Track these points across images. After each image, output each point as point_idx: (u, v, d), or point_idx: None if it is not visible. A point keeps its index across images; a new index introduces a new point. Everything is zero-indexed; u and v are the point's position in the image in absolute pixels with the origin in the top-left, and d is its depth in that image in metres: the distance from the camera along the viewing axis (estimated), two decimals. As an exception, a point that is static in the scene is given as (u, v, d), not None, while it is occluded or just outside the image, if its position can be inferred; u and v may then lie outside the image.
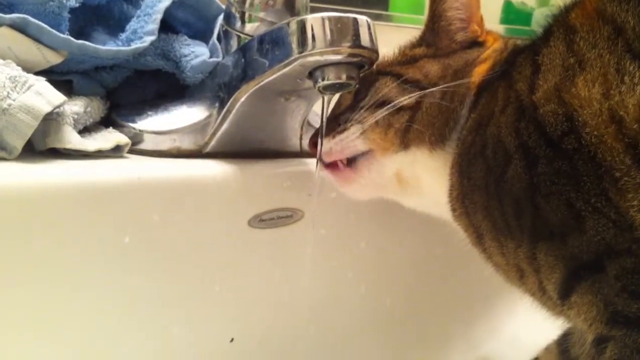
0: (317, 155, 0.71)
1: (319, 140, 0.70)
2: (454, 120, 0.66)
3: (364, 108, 0.69)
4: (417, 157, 0.68)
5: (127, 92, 0.79)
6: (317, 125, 0.80)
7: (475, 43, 0.72)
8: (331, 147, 0.71)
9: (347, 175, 0.73)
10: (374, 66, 0.71)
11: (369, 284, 0.86)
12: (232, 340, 0.75)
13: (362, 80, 0.71)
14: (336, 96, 0.75)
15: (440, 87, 0.67)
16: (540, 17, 1.46)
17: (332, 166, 0.73)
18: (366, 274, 0.86)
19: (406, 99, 0.67)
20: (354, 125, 0.70)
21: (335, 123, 0.72)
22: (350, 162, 0.73)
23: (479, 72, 0.66)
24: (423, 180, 0.69)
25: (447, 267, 0.91)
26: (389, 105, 0.68)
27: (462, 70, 0.68)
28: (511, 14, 1.56)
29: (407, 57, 0.74)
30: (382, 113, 0.68)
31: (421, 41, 0.75)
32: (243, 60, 0.69)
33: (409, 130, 0.67)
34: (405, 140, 0.68)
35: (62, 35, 0.68)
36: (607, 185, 0.50)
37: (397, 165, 0.70)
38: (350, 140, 0.70)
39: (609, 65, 0.51)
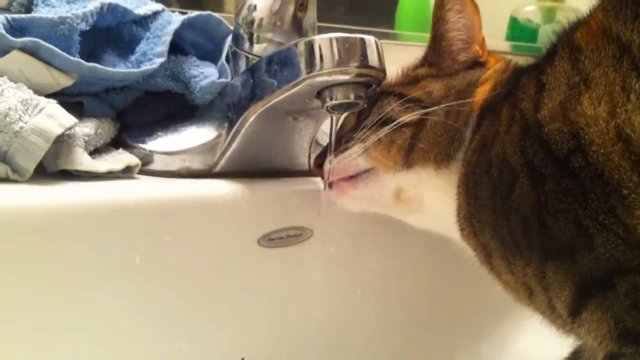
0: (325, 175, 0.72)
1: (327, 160, 0.70)
2: (459, 140, 0.66)
3: (366, 127, 0.70)
4: (422, 176, 0.68)
5: (137, 113, 0.80)
6: (326, 144, 0.81)
7: (477, 63, 0.72)
8: (334, 165, 0.71)
9: (342, 186, 0.73)
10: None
11: (378, 301, 0.86)
12: (242, 359, 0.75)
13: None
14: (344, 115, 0.75)
15: (443, 105, 0.67)
16: (545, 34, 1.47)
17: (334, 184, 0.74)
18: (375, 292, 0.86)
19: (409, 117, 0.68)
20: (356, 144, 0.70)
21: (337, 143, 0.73)
22: (352, 178, 0.73)
23: (481, 93, 0.67)
24: (427, 199, 0.69)
25: (457, 284, 0.90)
26: (392, 124, 0.68)
27: (464, 90, 0.68)
28: (517, 31, 1.56)
29: (410, 78, 0.74)
30: (384, 131, 0.68)
31: (424, 61, 0.76)
32: (252, 80, 0.70)
33: (412, 149, 0.68)
34: (408, 159, 0.68)
35: (72, 58, 0.68)
36: (614, 202, 0.50)
37: (399, 183, 0.70)
38: (352, 158, 0.70)
39: (615, 83, 0.51)
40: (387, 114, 0.70)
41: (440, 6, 0.72)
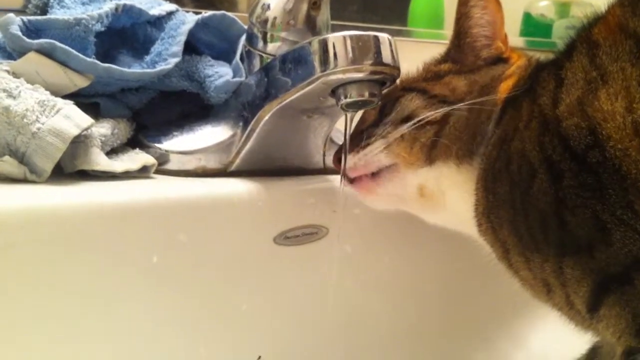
0: (341, 172, 0.72)
1: (343, 157, 0.71)
2: (481, 135, 0.66)
3: (389, 123, 0.70)
4: (444, 172, 0.68)
5: (152, 113, 0.80)
6: (340, 142, 0.80)
7: (500, 59, 0.72)
8: (355, 162, 0.71)
9: (368, 185, 0.73)
10: (399, 82, 0.72)
11: (395, 299, 0.86)
12: (259, 358, 0.76)
13: (387, 97, 0.71)
14: (359, 113, 0.75)
15: (468, 102, 0.67)
16: (560, 29, 1.47)
17: (356, 180, 0.74)
18: (392, 290, 0.86)
19: (434, 114, 0.67)
20: (377, 140, 0.70)
21: (359, 139, 0.73)
22: (375, 175, 0.73)
23: (504, 88, 0.67)
24: (448, 195, 0.69)
25: (472, 282, 0.90)
26: (415, 120, 0.68)
27: (488, 85, 0.68)
28: (531, 26, 1.56)
29: (432, 74, 0.74)
30: (408, 127, 0.68)
31: (446, 57, 0.76)
32: (266, 79, 0.70)
33: (435, 145, 0.68)
34: (431, 155, 0.68)
35: (88, 59, 0.69)
36: (632, 197, 0.49)
37: (421, 180, 0.70)
38: (374, 154, 0.70)
39: (632, 78, 0.51)
40: (410, 110, 0.70)
41: (464, 3, 0.73)
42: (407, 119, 0.69)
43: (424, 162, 0.69)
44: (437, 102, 0.69)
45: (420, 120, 0.68)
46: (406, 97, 0.71)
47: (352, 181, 0.74)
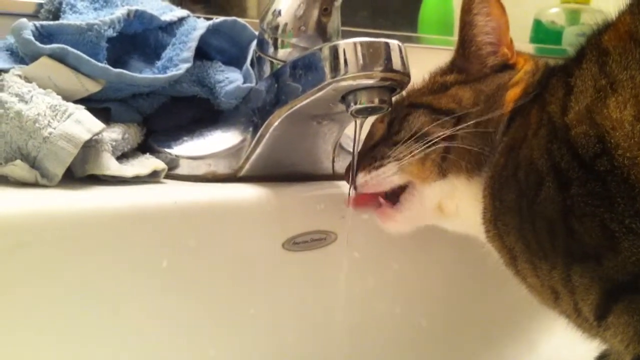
0: (350, 181, 0.72)
1: (352, 166, 0.71)
2: (490, 146, 0.65)
3: (400, 143, 0.69)
4: (456, 185, 0.68)
5: (163, 118, 0.81)
6: (349, 148, 0.81)
7: (506, 66, 0.71)
8: (367, 180, 0.71)
9: (387, 212, 0.73)
10: (406, 96, 0.72)
11: (404, 305, 0.86)
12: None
13: (395, 113, 0.71)
14: (369, 120, 0.75)
15: (475, 120, 0.66)
16: (570, 36, 1.46)
17: (367, 197, 0.74)
18: (400, 295, 0.86)
19: (442, 134, 0.67)
20: (391, 162, 0.70)
21: (370, 156, 0.72)
22: (389, 195, 0.73)
23: (511, 96, 0.66)
24: (462, 205, 0.69)
25: (481, 287, 0.90)
26: (426, 140, 0.67)
27: (494, 94, 0.68)
28: (541, 33, 1.56)
29: (438, 85, 0.73)
30: (419, 150, 0.67)
31: (452, 67, 0.75)
32: (276, 85, 0.70)
33: (445, 160, 0.67)
34: (443, 170, 0.68)
35: (100, 64, 0.69)
36: None
37: (438, 195, 0.70)
38: (387, 176, 0.70)
39: None
40: (418, 129, 0.69)
41: (467, 11, 0.71)
42: (416, 136, 0.69)
43: (437, 176, 0.68)
44: (445, 116, 0.68)
45: (431, 141, 0.67)
46: (414, 115, 0.71)
47: (362, 196, 0.74)
